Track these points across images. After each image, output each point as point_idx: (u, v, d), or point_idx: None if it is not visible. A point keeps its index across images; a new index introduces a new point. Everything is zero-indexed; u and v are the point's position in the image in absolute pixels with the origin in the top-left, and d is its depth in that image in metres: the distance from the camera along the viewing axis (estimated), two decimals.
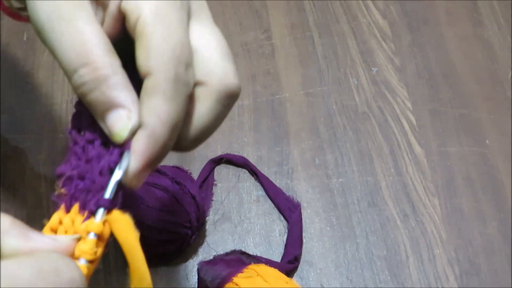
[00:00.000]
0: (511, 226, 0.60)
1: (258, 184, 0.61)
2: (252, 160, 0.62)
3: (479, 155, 0.64)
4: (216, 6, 0.71)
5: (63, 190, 0.29)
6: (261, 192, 0.61)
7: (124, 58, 0.28)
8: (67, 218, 0.28)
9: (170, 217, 0.52)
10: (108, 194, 0.28)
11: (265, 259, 0.56)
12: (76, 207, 0.28)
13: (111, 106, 0.28)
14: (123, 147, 0.28)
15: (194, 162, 0.62)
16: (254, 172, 0.61)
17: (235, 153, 0.62)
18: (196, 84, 0.29)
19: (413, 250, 0.58)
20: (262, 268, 0.52)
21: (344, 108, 0.66)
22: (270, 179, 0.61)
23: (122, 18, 0.29)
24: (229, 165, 0.62)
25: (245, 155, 0.62)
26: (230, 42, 0.72)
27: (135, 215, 0.54)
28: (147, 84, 0.28)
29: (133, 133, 0.28)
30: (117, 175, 0.28)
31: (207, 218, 0.59)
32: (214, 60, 0.30)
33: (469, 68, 0.69)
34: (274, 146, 0.63)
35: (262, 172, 0.61)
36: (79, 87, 0.27)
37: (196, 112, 0.30)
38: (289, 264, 0.56)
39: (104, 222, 0.28)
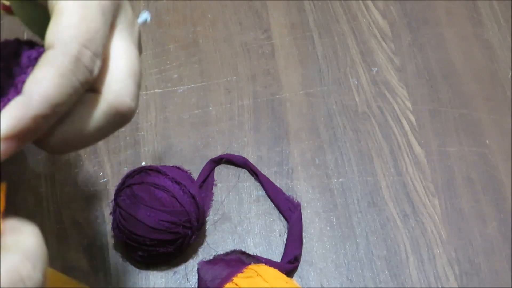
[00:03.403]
0: (511, 226, 0.60)
1: (258, 184, 0.61)
2: (252, 160, 0.62)
3: (479, 155, 0.64)
4: (216, 6, 0.71)
5: None
6: (261, 192, 0.61)
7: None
8: None
9: (170, 217, 0.52)
10: None
11: (265, 259, 0.56)
12: None
13: None
14: None
15: (194, 162, 0.62)
16: (254, 172, 0.61)
17: (235, 153, 0.62)
18: (91, 89, 0.29)
19: (413, 250, 0.58)
20: (262, 268, 0.52)
21: (344, 108, 0.66)
22: (270, 179, 0.61)
23: None
24: (229, 165, 0.62)
25: (245, 155, 0.62)
26: (230, 42, 0.72)
27: (135, 215, 0.54)
28: (44, 56, 0.27)
29: None
30: None
31: (207, 218, 0.59)
32: (119, 75, 0.29)
33: (469, 68, 0.69)
34: (274, 146, 0.63)
35: (262, 172, 0.61)
36: None
37: (77, 114, 0.29)
38: (289, 264, 0.56)
39: None
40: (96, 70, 0.28)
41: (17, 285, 0.25)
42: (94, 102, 0.29)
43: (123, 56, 0.30)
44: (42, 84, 0.26)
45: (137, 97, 0.30)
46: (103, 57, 0.29)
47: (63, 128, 0.28)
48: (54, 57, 0.26)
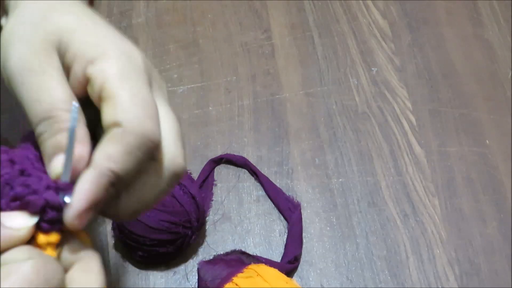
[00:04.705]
0: (511, 226, 0.60)
1: (258, 184, 0.61)
2: (252, 160, 0.62)
3: (479, 155, 0.64)
4: (216, 6, 0.71)
5: None
6: (261, 192, 0.61)
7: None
8: None
9: (170, 217, 0.52)
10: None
11: (265, 259, 0.56)
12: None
13: (59, 150, 0.29)
14: (63, 188, 0.29)
15: (194, 162, 0.62)
16: (254, 172, 0.61)
17: (235, 153, 0.62)
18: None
19: (413, 250, 0.58)
20: (262, 268, 0.52)
21: (344, 108, 0.66)
22: (270, 179, 0.61)
23: (85, 83, 0.30)
24: (229, 165, 0.62)
25: (245, 155, 0.62)
26: (230, 42, 0.72)
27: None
28: (111, 132, 0.28)
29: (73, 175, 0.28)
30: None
31: (207, 218, 0.59)
32: (167, 140, 0.31)
33: (469, 68, 0.69)
34: (274, 146, 0.63)
35: (262, 172, 0.61)
36: (40, 134, 0.29)
37: (141, 184, 0.30)
38: (289, 264, 0.56)
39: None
40: (158, 140, 0.30)
41: None
42: (152, 170, 0.30)
43: (165, 120, 0.31)
44: (112, 160, 0.28)
45: (185, 156, 0.32)
46: None
47: (131, 199, 0.30)
48: (122, 136, 0.28)
